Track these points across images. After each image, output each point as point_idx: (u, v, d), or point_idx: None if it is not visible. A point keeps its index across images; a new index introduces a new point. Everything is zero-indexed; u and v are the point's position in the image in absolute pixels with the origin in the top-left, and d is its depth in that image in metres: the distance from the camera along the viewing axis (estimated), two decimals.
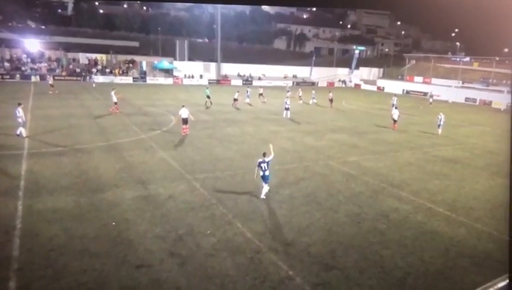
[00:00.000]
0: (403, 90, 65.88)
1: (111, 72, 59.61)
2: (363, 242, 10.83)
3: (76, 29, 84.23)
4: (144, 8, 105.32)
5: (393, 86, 66.84)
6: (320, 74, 76.31)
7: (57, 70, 56.45)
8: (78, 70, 57.93)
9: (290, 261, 9.55)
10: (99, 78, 56.15)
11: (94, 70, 58.71)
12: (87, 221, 11.14)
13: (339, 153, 20.94)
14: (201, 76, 65.62)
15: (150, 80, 61.33)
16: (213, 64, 67.95)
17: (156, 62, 64.02)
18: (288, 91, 45.83)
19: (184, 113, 23.41)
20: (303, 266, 9.42)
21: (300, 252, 10.05)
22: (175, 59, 66.40)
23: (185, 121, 23.44)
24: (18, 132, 20.62)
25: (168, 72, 64.37)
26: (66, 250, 9.47)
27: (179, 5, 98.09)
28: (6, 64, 54.51)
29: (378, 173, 17.57)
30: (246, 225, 11.39)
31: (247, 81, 67.35)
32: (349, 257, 9.95)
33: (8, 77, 51.99)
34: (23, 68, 54.76)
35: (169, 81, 62.66)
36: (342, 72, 79.84)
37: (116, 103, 30.10)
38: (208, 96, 36.29)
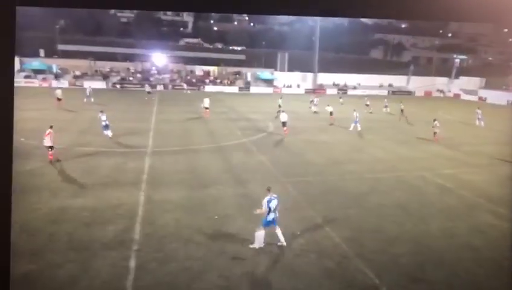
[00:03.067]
0: (508, 101, 57.75)
1: (221, 83, 63.06)
2: (455, 258, 9.77)
3: (193, 45, 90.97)
4: (251, 24, 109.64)
5: (497, 97, 58.87)
6: (418, 83, 70.90)
7: (177, 81, 61.54)
8: (194, 80, 62.36)
9: (377, 269, 9.00)
10: (211, 88, 59.78)
11: (207, 80, 62.68)
12: (194, 213, 11.90)
13: (434, 165, 19.19)
14: (298, 86, 65.74)
15: (253, 89, 63.39)
16: (309, 74, 67.55)
17: (259, 73, 65.95)
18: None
19: (283, 117, 25.38)
20: (390, 276, 8.83)
21: (388, 261, 9.44)
22: (275, 70, 67.56)
23: (284, 124, 25.19)
24: (106, 134, 21.41)
25: (269, 82, 65.86)
26: (175, 238, 10.20)
27: (282, 20, 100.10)
28: (139, 75, 61.10)
29: (475, 187, 15.68)
30: (335, 229, 11.06)
31: (342, 90, 65.69)
32: (439, 272, 9.05)
33: (139, 86, 58.18)
34: (151, 79, 60.77)
35: (270, 90, 63.90)
36: (440, 82, 73.01)
37: (207, 108, 32.02)
38: (280, 106, 35.22)
